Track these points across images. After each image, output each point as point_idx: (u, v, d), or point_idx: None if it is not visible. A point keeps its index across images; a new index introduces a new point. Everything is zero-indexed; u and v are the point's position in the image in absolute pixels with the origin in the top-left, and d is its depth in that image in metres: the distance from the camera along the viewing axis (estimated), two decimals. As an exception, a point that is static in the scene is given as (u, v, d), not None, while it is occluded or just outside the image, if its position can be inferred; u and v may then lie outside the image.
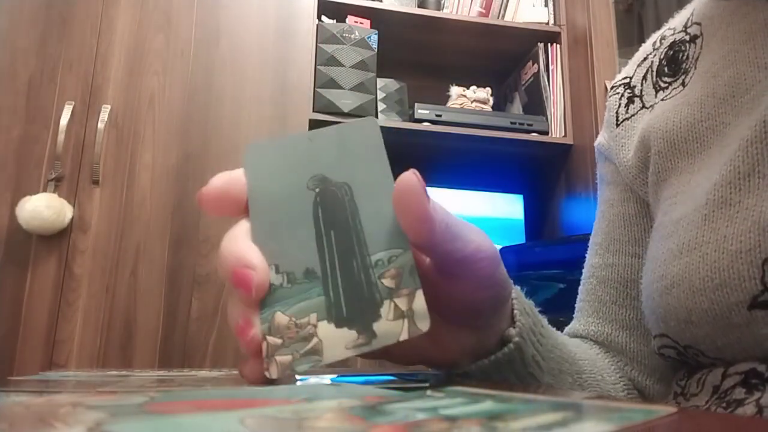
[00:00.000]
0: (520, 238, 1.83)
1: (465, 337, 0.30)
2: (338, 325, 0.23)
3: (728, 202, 0.33)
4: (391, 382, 0.28)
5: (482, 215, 1.83)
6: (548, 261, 1.49)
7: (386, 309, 0.23)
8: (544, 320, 0.36)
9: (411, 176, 0.23)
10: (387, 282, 0.24)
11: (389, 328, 0.23)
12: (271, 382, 0.24)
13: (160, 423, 0.14)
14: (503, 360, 0.31)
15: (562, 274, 1.42)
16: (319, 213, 0.25)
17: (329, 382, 0.33)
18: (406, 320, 0.23)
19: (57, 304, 1.34)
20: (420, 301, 0.23)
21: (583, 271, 0.50)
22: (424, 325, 0.23)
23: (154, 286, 1.39)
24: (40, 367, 1.28)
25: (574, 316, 0.49)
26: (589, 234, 0.51)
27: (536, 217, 1.89)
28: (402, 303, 0.23)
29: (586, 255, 0.51)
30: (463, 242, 0.26)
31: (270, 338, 0.23)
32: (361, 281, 0.24)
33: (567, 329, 0.49)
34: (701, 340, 0.34)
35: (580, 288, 0.50)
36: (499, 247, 1.66)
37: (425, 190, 0.23)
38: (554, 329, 0.39)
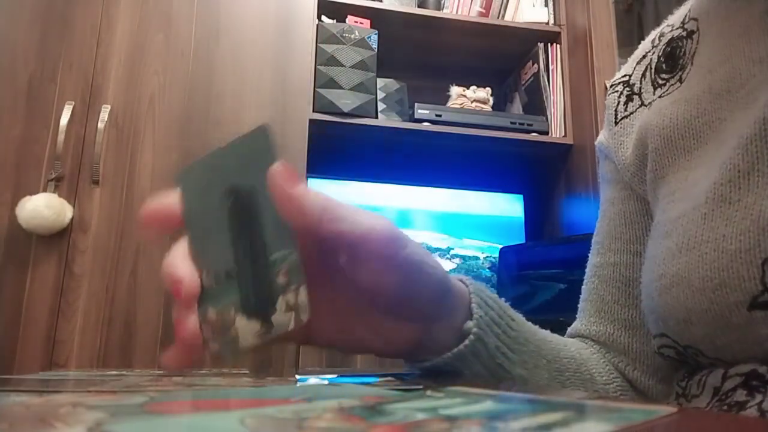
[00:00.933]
0: (520, 238, 1.83)
1: (408, 330, 0.32)
2: (248, 317, 0.28)
3: (727, 201, 0.33)
4: (390, 382, 0.28)
5: (482, 215, 1.83)
6: (548, 261, 1.49)
7: (280, 303, 0.27)
8: (517, 315, 0.37)
9: (277, 166, 0.27)
10: (280, 279, 0.28)
11: (282, 319, 0.27)
12: (187, 367, 0.30)
13: (160, 423, 0.14)
14: (466, 352, 0.32)
15: (562, 274, 1.42)
16: (233, 220, 0.29)
17: (329, 382, 0.33)
18: (293, 313, 0.27)
19: (57, 304, 1.34)
20: (303, 295, 0.27)
21: (586, 270, 0.50)
22: (305, 317, 0.27)
23: (154, 286, 1.39)
24: (40, 367, 1.28)
25: (576, 316, 0.49)
26: (590, 234, 0.51)
27: (536, 217, 1.89)
28: (291, 298, 0.27)
29: (589, 254, 0.51)
30: (350, 223, 0.27)
31: (205, 330, 0.29)
32: (264, 279, 0.28)
33: (569, 329, 0.49)
34: (701, 340, 0.34)
35: (583, 287, 0.50)
36: (499, 246, 1.66)
37: (292, 176, 0.27)
38: (533, 325, 0.39)
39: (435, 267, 0.31)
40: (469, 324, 0.33)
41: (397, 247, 0.29)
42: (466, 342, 0.32)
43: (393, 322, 0.31)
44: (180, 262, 0.29)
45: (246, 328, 0.28)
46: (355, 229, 0.28)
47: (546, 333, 0.41)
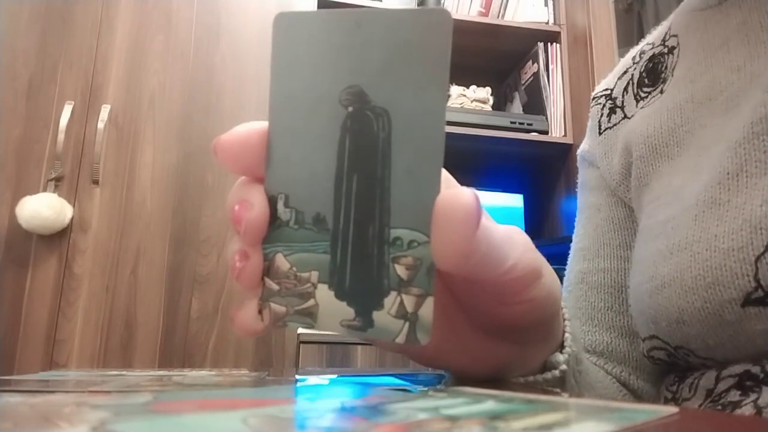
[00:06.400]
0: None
1: (503, 351, 0.27)
2: (338, 295, 0.21)
3: (718, 202, 0.33)
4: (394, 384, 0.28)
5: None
6: (549, 260, 1.48)
7: (391, 301, 0.20)
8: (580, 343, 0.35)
9: (465, 196, 0.19)
10: (400, 270, 0.20)
11: (388, 324, 0.20)
12: (260, 331, 0.22)
13: (163, 422, 0.14)
14: (541, 383, 0.29)
15: (563, 272, 1.42)
16: (345, 142, 0.21)
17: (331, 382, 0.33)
18: (407, 324, 0.20)
19: (57, 304, 1.34)
20: (428, 310, 0.20)
21: (567, 277, 0.49)
22: (423, 338, 0.20)
23: (154, 286, 1.39)
24: (41, 367, 1.29)
25: None
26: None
27: (536, 217, 1.89)
28: (409, 303, 0.20)
29: (569, 261, 0.50)
30: (494, 264, 0.21)
31: (268, 280, 0.21)
32: (373, 255, 0.20)
33: None
34: (693, 339, 0.34)
35: (566, 295, 0.48)
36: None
37: (479, 217, 0.19)
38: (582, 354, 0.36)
39: (558, 296, 0.26)
40: (560, 358, 0.30)
41: (525, 283, 0.23)
42: (548, 376, 0.29)
43: (487, 341, 0.27)
44: (250, 184, 0.22)
45: (330, 307, 0.21)
46: (496, 269, 0.22)
47: (587, 364, 0.38)
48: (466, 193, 0.19)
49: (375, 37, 0.20)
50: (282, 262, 0.21)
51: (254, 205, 0.21)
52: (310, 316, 0.21)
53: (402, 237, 0.20)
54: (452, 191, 0.19)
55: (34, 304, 1.33)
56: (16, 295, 1.33)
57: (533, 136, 1.72)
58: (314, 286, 0.21)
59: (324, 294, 0.21)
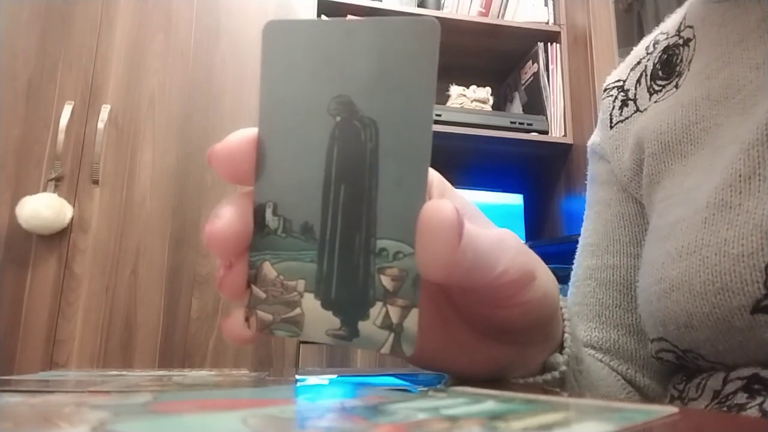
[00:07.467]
0: (520, 238, 1.82)
1: (500, 353, 0.27)
2: (324, 305, 0.21)
3: (728, 205, 0.33)
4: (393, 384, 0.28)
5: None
6: (549, 260, 1.48)
7: (376, 311, 0.20)
8: (580, 341, 0.34)
9: (446, 209, 0.19)
10: (385, 281, 0.20)
11: (373, 334, 0.20)
12: (249, 339, 0.22)
13: (163, 422, 0.14)
14: (541, 384, 0.29)
15: (563, 272, 1.42)
16: (333, 152, 0.21)
17: (330, 382, 0.33)
18: (392, 334, 0.20)
19: (57, 304, 1.34)
20: (412, 321, 0.20)
21: (575, 272, 0.49)
22: (408, 349, 0.20)
23: (154, 286, 1.39)
24: (41, 367, 1.28)
25: None
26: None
27: (536, 217, 1.89)
28: (394, 314, 0.20)
29: (577, 256, 0.49)
30: (484, 271, 0.21)
31: (255, 288, 0.21)
32: (359, 266, 0.21)
33: None
34: (701, 344, 0.34)
35: (573, 291, 0.48)
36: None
37: (461, 228, 0.19)
38: (584, 350, 0.36)
39: (555, 297, 0.26)
40: (559, 359, 0.29)
41: (519, 287, 0.23)
42: (547, 377, 0.29)
43: (484, 343, 0.26)
44: (229, 203, 0.21)
45: (315, 316, 0.21)
46: (486, 276, 0.21)
47: (590, 361, 0.37)
48: (447, 204, 0.19)
49: (364, 46, 0.20)
50: (269, 270, 0.21)
51: (224, 218, 0.21)
52: (296, 325, 0.21)
53: (388, 248, 0.20)
54: (433, 202, 0.19)
55: (34, 304, 1.33)
56: (16, 295, 1.33)
57: (533, 136, 1.72)
58: (300, 294, 0.21)
59: (310, 303, 0.21)
